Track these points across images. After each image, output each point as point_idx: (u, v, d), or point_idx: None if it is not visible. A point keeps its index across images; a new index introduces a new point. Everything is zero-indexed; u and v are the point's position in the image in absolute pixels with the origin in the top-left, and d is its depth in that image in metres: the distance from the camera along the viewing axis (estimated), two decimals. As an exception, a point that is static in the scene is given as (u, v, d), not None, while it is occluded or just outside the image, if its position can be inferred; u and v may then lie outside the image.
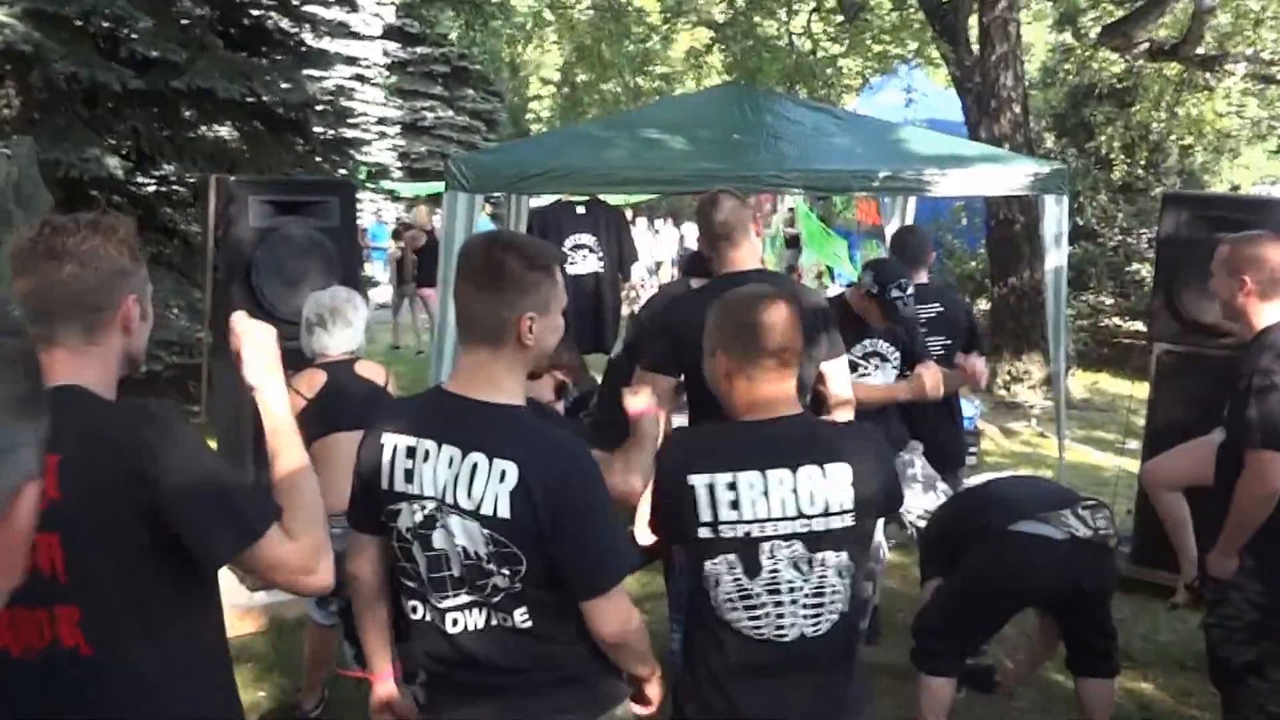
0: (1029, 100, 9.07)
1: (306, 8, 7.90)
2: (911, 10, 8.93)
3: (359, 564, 1.79)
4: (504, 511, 1.58)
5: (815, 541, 1.78)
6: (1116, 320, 10.83)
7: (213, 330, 4.55)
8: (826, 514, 1.78)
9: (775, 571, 1.77)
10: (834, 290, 12.16)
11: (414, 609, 1.72)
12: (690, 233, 22.75)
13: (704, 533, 1.79)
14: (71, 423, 1.36)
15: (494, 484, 1.58)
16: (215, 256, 4.26)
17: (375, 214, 18.11)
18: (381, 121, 20.02)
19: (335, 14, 8.52)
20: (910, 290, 3.42)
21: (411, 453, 1.65)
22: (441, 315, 4.67)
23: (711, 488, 1.78)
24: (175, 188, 7.26)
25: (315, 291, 3.17)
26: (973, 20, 8.52)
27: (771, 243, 15.80)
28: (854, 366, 3.44)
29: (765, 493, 1.77)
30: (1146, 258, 10.57)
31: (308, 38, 8.01)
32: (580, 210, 5.79)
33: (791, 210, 12.00)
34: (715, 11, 9.41)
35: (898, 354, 3.60)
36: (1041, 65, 14.86)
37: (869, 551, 1.94)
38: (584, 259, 5.81)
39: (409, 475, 1.65)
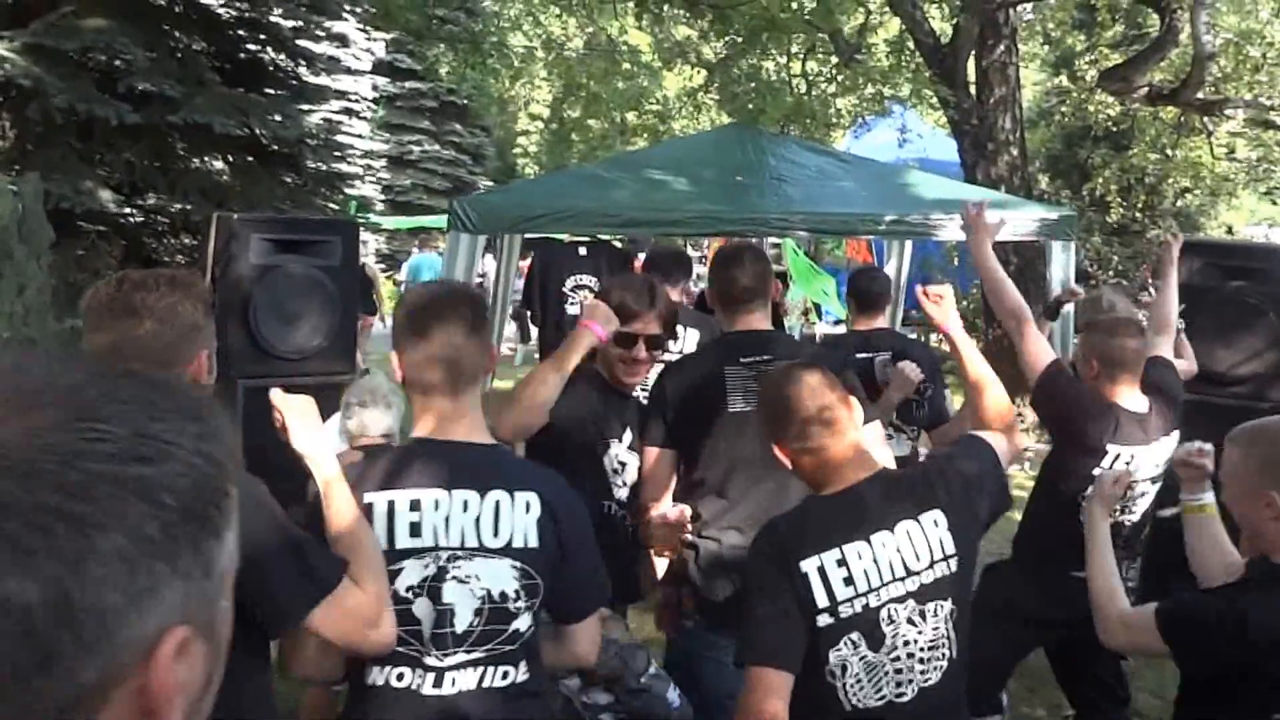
0: (1025, 141, 9.20)
1: (300, 42, 8.01)
2: (908, 53, 9.08)
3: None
4: (533, 541, 1.65)
5: (924, 595, 1.79)
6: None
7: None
8: (933, 564, 1.80)
9: (896, 634, 1.77)
10: (822, 328, 12.25)
11: (399, 676, 1.64)
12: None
13: (824, 620, 1.74)
14: None
15: (520, 516, 1.66)
16: (212, 293, 4.26)
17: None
18: (368, 155, 20.19)
19: (326, 48, 8.64)
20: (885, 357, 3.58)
21: (416, 505, 1.64)
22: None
23: (823, 570, 1.74)
24: (160, 219, 7.29)
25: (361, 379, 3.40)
26: (970, 63, 8.65)
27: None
28: None
29: (875, 559, 1.76)
30: (1140, 302, 10.76)
31: (303, 72, 8.12)
32: (582, 251, 5.81)
33: (778, 246, 12.15)
34: (709, 51, 9.60)
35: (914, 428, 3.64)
36: (1033, 105, 15.17)
37: (970, 591, 1.94)
38: (585, 300, 5.82)
39: (415, 529, 1.64)
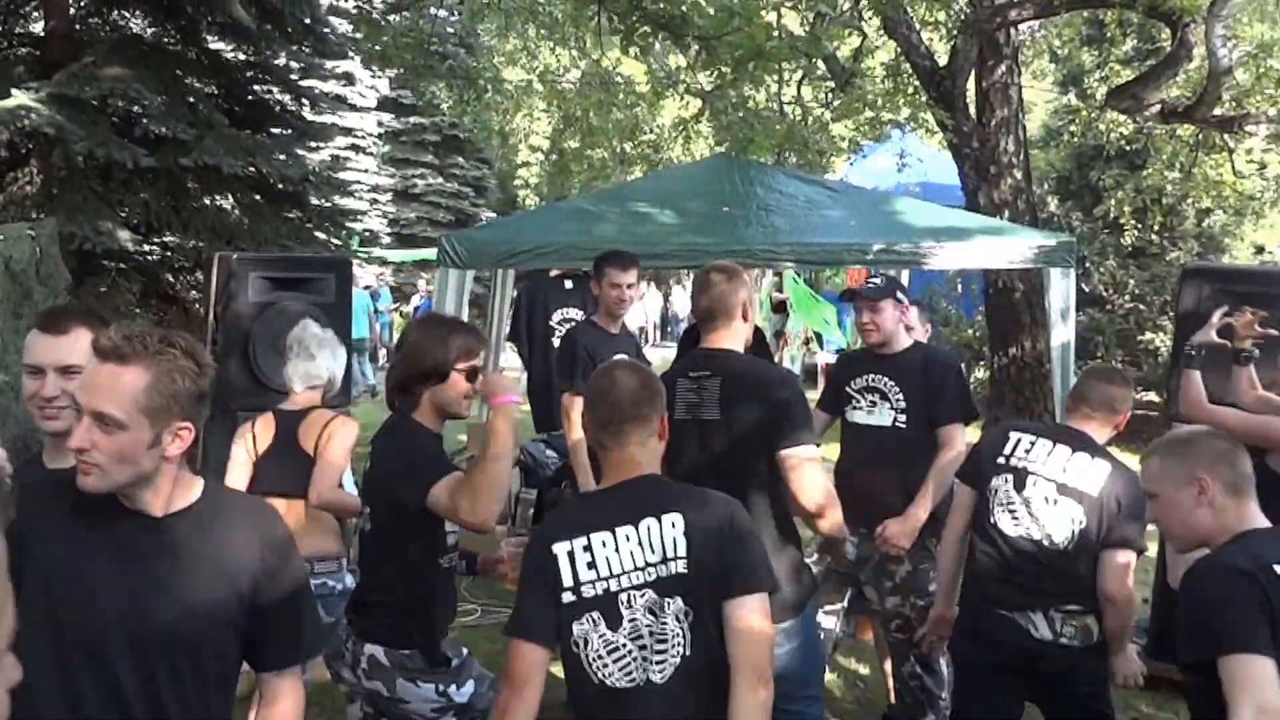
0: (1030, 163, 9.07)
1: (306, 82, 8.46)
2: (906, 75, 9.11)
3: None
4: None
5: (660, 588, 2.04)
6: (1127, 390, 10.87)
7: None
8: (665, 561, 2.04)
9: (634, 620, 2.04)
10: (823, 357, 12.31)
11: None
12: (678, 297, 23.21)
13: (568, 597, 2.04)
14: None
15: None
16: (214, 330, 4.63)
17: (378, 278, 18.75)
18: (374, 190, 20.81)
19: (332, 87, 9.09)
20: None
21: None
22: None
23: (571, 553, 2.05)
24: (176, 257, 7.75)
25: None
26: (970, 84, 8.64)
27: (759, 307, 16.23)
28: (848, 399, 3.65)
29: (616, 549, 2.06)
30: (1160, 326, 10.61)
31: (307, 112, 8.57)
32: (569, 285, 5.92)
33: (779, 275, 12.36)
34: (703, 80, 9.77)
35: (900, 393, 3.58)
36: (1043, 125, 15.00)
37: (717, 598, 2.08)
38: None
39: None
